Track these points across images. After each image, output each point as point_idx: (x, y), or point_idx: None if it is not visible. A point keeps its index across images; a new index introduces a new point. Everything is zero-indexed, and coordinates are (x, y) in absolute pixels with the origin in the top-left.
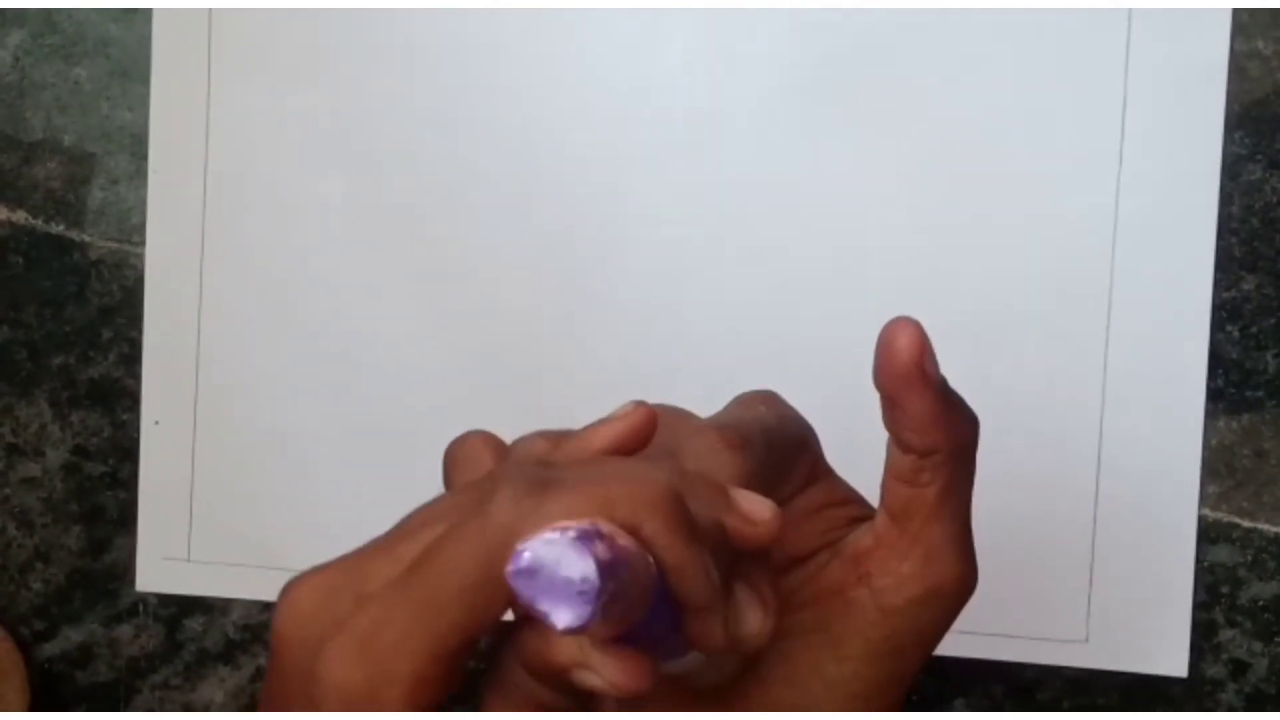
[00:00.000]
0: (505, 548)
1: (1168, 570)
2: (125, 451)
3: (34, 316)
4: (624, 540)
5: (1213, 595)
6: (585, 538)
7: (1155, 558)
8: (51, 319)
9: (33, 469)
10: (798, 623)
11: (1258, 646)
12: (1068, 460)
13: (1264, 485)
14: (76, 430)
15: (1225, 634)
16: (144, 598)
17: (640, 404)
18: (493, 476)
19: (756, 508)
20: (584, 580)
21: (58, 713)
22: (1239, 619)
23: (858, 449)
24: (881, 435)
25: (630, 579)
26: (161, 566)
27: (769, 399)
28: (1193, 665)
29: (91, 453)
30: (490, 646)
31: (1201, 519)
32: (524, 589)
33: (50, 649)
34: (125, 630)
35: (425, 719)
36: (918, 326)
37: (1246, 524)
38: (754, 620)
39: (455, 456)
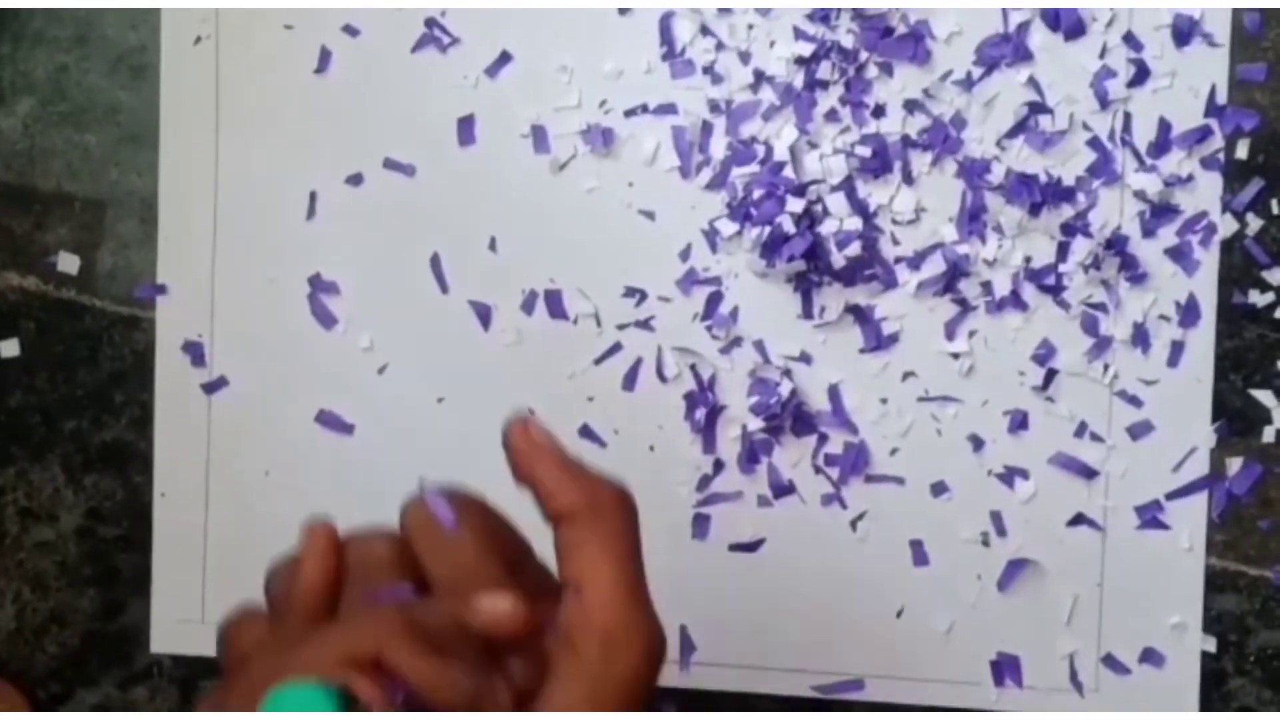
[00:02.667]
0: (255, 697)
1: (1177, 619)
2: (138, 514)
3: (46, 381)
4: (362, 685)
5: (1222, 644)
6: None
7: (1164, 607)
8: (63, 383)
9: (46, 533)
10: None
11: (1267, 694)
12: (1075, 510)
13: (1271, 534)
14: (89, 494)
15: (1235, 682)
16: (159, 660)
17: (316, 527)
18: (253, 647)
19: (495, 605)
20: None
21: (58, 713)
22: (1248, 667)
23: None
24: None
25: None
26: (176, 629)
27: (479, 507)
28: (1203, 712)
29: (105, 516)
30: None
31: (1209, 568)
32: None
33: (66, 712)
34: (140, 692)
35: (428, 719)
36: (523, 418)
37: (1254, 572)
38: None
39: (227, 629)
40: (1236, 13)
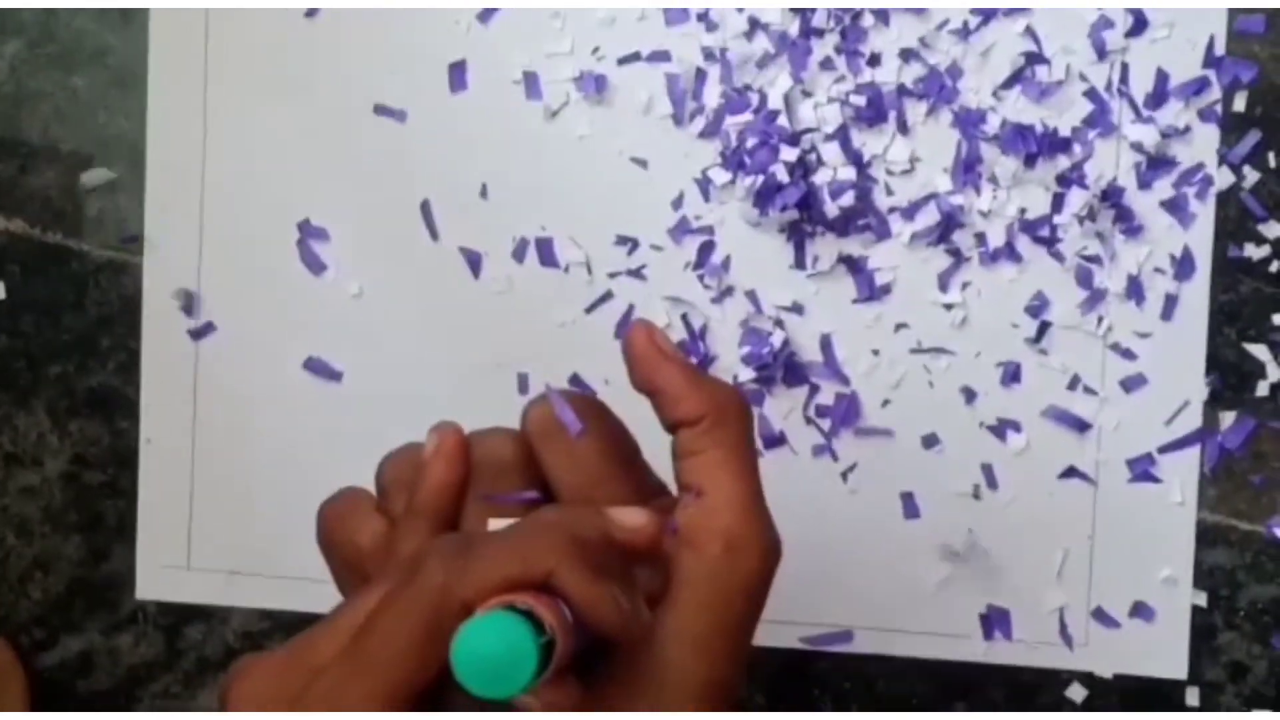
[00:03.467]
0: (442, 606)
1: (1167, 573)
2: (124, 460)
3: (32, 326)
4: (542, 609)
5: (1212, 598)
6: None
7: (1154, 561)
8: (50, 328)
9: (31, 478)
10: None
11: (1257, 649)
12: (1067, 464)
13: (1263, 488)
14: (75, 439)
15: (1225, 636)
16: (143, 606)
17: (444, 429)
18: (419, 550)
19: (633, 518)
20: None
21: (59, 713)
22: (1238, 621)
23: None
24: None
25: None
26: (161, 575)
27: (601, 410)
28: (1192, 668)
29: (90, 461)
30: None
31: (1200, 522)
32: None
33: (50, 658)
34: (125, 639)
35: (426, 719)
36: (646, 323)
37: (1245, 526)
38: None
39: (332, 514)
40: None
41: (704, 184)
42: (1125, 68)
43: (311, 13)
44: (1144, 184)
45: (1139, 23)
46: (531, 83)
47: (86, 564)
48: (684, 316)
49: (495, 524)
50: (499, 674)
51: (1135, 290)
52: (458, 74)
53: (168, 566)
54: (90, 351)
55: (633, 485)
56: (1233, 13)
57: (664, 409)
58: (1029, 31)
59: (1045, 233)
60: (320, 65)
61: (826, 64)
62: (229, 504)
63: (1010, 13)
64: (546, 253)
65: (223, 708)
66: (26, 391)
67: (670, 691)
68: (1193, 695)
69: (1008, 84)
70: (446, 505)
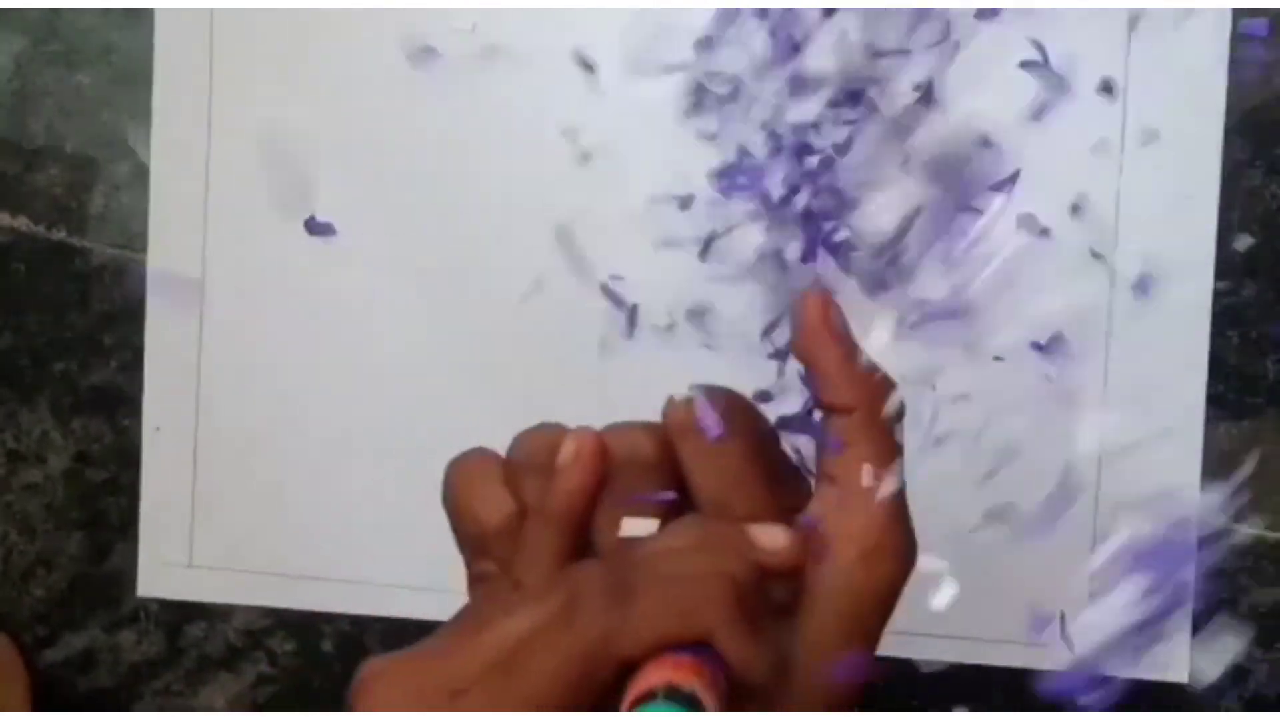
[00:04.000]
0: (597, 659)
1: (1169, 576)
2: (127, 458)
3: (36, 323)
4: (704, 691)
5: (1213, 601)
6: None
7: (1156, 564)
8: (53, 325)
9: (34, 475)
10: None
11: (1258, 652)
12: (1068, 465)
13: (1264, 491)
14: (78, 436)
15: (1227, 640)
16: (145, 604)
17: (583, 434)
18: (572, 580)
19: (773, 540)
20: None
21: (59, 713)
22: (1240, 624)
23: None
24: None
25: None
26: (163, 572)
27: (745, 409)
28: (1194, 671)
29: (93, 459)
30: None
31: (1201, 525)
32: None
33: (52, 655)
34: (127, 636)
35: (429, 719)
36: (824, 293)
37: (1246, 530)
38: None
39: (459, 477)
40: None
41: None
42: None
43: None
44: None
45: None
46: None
47: (88, 561)
48: None
49: (630, 525)
50: None
51: (1138, 292)
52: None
53: (170, 564)
54: (94, 349)
55: (771, 490)
56: (1237, 14)
57: (818, 389)
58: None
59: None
60: (327, 59)
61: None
62: (232, 501)
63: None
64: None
65: (356, 706)
66: (30, 389)
67: (796, 699)
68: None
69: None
70: (580, 511)
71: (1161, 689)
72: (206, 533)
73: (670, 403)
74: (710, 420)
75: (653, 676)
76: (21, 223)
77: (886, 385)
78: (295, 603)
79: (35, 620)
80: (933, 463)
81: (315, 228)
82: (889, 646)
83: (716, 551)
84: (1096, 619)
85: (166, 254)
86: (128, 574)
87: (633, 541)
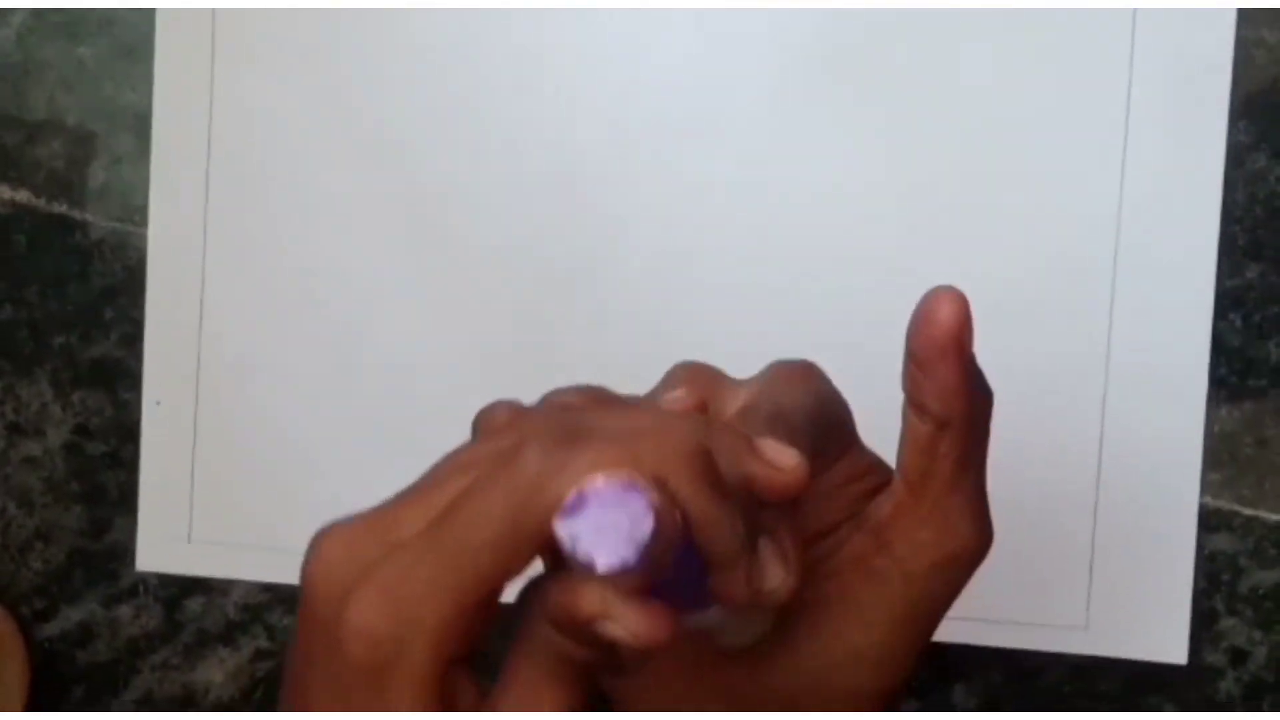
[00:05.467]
0: (534, 499)
1: (1169, 557)
2: (126, 431)
3: (36, 296)
4: (655, 494)
5: (1213, 583)
6: (634, 487)
7: (1156, 545)
8: (53, 298)
9: (34, 448)
10: (824, 592)
11: (1258, 635)
12: (1070, 447)
13: (1265, 473)
14: (78, 410)
15: (1225, 622)
16: (144, 578)
17: (686, 369)
18: (520, 429)
19: (782, 456)
20: (635, 524)
21: (56, 713)
22: (1239, 607)
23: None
24: (885, 421)
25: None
26: (162, 547)
27: (808, 375)
28: (1193, 652)
29: (93, 432)
30: (516, 608)
31: (1203, 507)
32: (569, 530)
33: (50, 628)
34: (125, 610)
35: (436, 719)
36: (963, 298)
37: (1248, 512)
38: (776, 575)
39: (483, 426)
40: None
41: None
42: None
43: None
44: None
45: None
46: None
47: (87, 535)
48: None
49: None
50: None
51: (1141, 276)
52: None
53: (169, 538)
54: (94, 322)
55: (839, 454)
56: (1242, 13)
57: (923, 395)
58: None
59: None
60: (328, 38)
61: None
62: (231, 476)
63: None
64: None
65: (304, 574)
66: (30, 361)
67: (845, 703)
68: (1192, 680)
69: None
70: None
71: (1159, 670)
72: (206, 507)
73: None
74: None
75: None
76: (22, 195)
77: (985, 400)
78: (294, 578)
79: (34, 593)
80: None
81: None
82: None
83: (695, 422)
84: None
85: (167, 228)
86: (127, 548)
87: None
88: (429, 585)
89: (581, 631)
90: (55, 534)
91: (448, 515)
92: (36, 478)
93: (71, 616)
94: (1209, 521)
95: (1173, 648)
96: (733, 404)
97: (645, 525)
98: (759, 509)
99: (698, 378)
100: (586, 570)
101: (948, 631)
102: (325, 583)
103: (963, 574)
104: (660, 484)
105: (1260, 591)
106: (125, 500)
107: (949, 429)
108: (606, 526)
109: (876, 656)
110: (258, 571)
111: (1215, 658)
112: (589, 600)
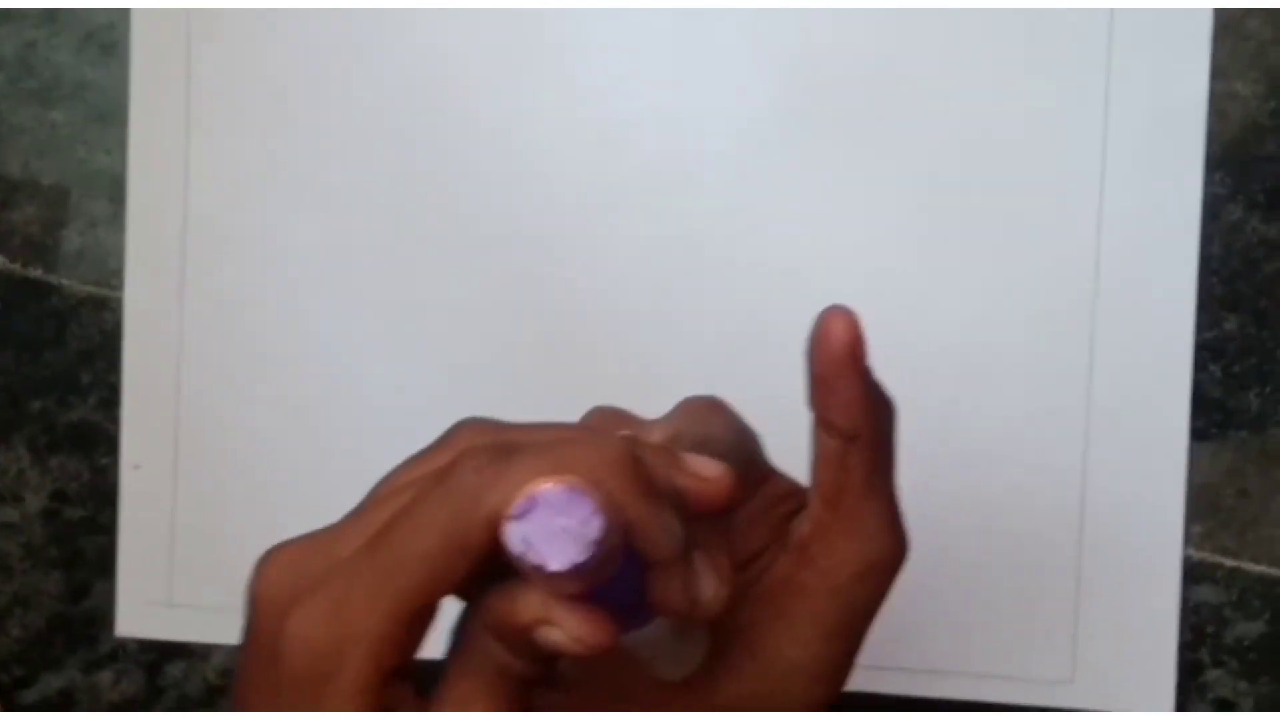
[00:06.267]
0: (471, 509)
1: (1153, 610)
2: (105, 496)
3: (11, 361)
4: (601, 496)
5: (1198, 635)
6: (581, 490)
7: (1140, 597)
8: (29, 363)
9: (11, 514)
10: (758, 614)
11: (1244, 685)
12: (1051, 499)
13: (1248, 524)
14: (55, 475)
15: (1211, 673)
16: (124, 643)
17: (601, 411)
18: (453, 446)
19: (707, 467)
20: (583, 526)
21: (56, 714)
22: (1225, 658)
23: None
24: None
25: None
26: (142, 611)
27: (720, 409)
28: (1179, 705)
29: (70, 497)
30: (457, 621)
31: (1186, 558)
32: (519, 534)
33: (30, 695)
34: (105, 676)
35: (422, 719)
36: (853, 315)
37: (1231, 563)
38: (710, 586)
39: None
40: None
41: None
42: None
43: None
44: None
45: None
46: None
47: (66, 600)
48: None
49: None
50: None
51: (1120, 327)
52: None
53: (149, 603)
54: (71, 387)
55: (758, 481)
56: (1215, 66)
57: (828, 411)
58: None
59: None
60: (304, 99)
61: None
62: (211, 539)
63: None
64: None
65: (249, 592)
66: (7, 427)
67: (781, 703)
68: None
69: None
70: None
71: None
72: (186, 571)
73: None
74: None
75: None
76: None
77: (889, 410)
78: None
79: (12, 660)
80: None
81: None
82: (875, 681)
83: (625, 439)
84: None
85: (144, 291)
86: (106, 613)
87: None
88: (368, 598)
89: (521, 639)
90: (34, 600)
91: (386, 531)
92: (15, 544)
93: (51, 683)
94: (1193, 573)
95: (1159, 700)
96: (654, 438)
97: (594, 526)
98: (689, 523)
99: (615, 416)
100: (537, 573)
101: (931, 686)
102: (268, 599)
103: (884, 581)
104: (599, 488)
105: (1245, 643)
106: (104, 565)
107: (856, 442)
108: (556, 529)
109: (813, 669)
110: (239, 635)
111: (1202, 709)
112: (529, 606)
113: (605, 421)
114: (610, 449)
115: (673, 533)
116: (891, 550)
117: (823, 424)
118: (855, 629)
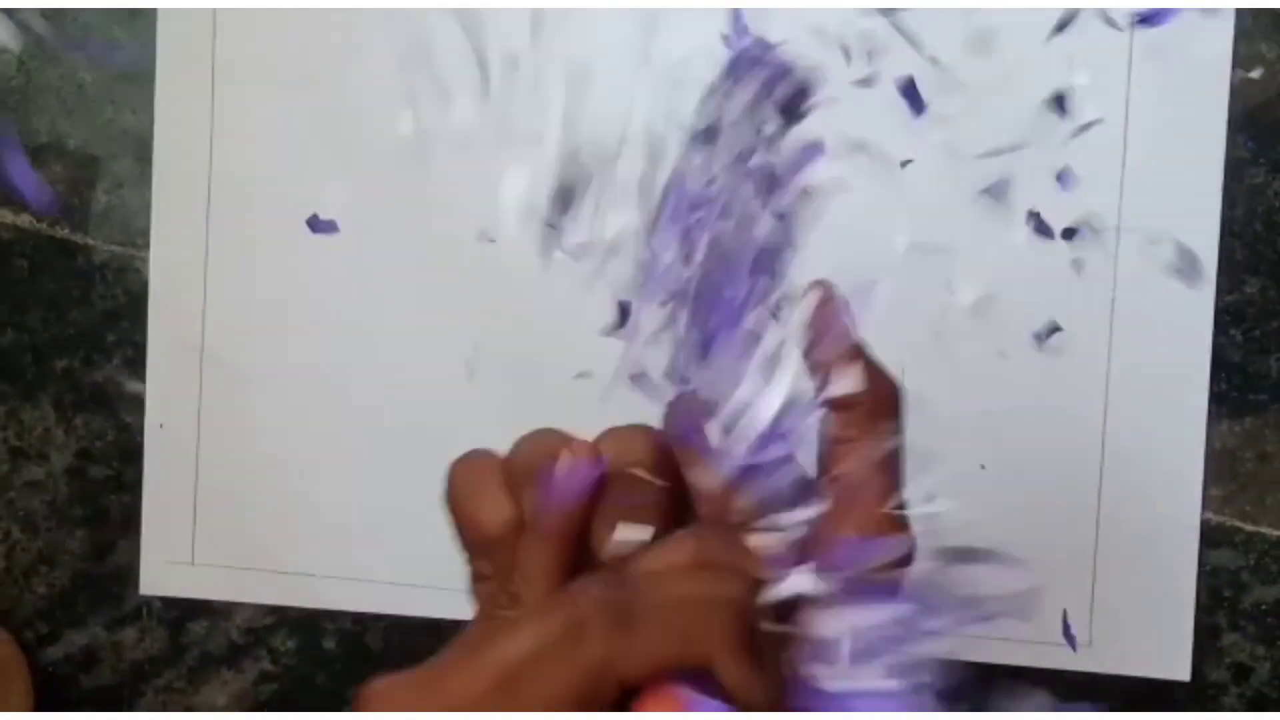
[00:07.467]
0: (599, 681)
1: (1171, 574)
2: (129, 455)
3: (38, 320)
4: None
5: (1215, 599)
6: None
7: (1159, 561)
8: (56, 323)
9: (37, 472)
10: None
11: (1260, 650)
12: (1071, 465)
13: (1267, 489)
14: (80, 434)
15: (1228, 638)
16: (148, 601)
17: (580, 446)
18: (572, 601)
19: (764, 542)
20: None
21: (61, 713)
22: (1242, 622)
23: None
24: None
25: None
26: (165, 570)
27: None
28: (1196, 669)
29: (95, 456)
30: None
31: (1204, 523)
32: None
33: (54, 652)
34: (129, 634)
35: (443, 719)
36: (835, 291)
37: (1249, 528)
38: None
39: (460, 478)
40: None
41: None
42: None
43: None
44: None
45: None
46: None
47: (91, 559)
48: None
49: (624, 530)
50: None
51: (1141, 291)
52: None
53: (172, 562)
54: (96, 346)
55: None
56: (1240, 14)
57: (823, 385)
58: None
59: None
60: (327, 61)
61: None
62: (234, 499)
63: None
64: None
65: None
66: (33, 386)
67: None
68: (1196, 696)
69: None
70: (576, 526)
71: (1163, 687)
72: (209, 530)
73: (670, 403)
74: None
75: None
76: (24, 220)
77: (890, 383)
78: (297, 600)
79: (37, 618)
80: (934, 450)
81: (318, 225)
82: None
83: (717, 571)
84: None
85: (169, 251)
86: (130, 571)
87: (632, 558)
88: None
89: None
90: (58, 558)
91: (513, 684)
92: (40, 502)
93: (75, 641)
94: (1211, 537)
95: (1176, 664)
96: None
97: None
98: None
99: (551, 437)
100: None
101: (949, 649)
102: None
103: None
104: (708, 662)
105: (1263, 607)
106: (128, 524)
107: (855, 412)
108: None
109: None
110: (261, 594)
111: (1218, 674)
112: None
113: (545, 448)
114: (723, 618)
115: (765, 690)
116: (900, 531)
117: (822, 399)
118: None
